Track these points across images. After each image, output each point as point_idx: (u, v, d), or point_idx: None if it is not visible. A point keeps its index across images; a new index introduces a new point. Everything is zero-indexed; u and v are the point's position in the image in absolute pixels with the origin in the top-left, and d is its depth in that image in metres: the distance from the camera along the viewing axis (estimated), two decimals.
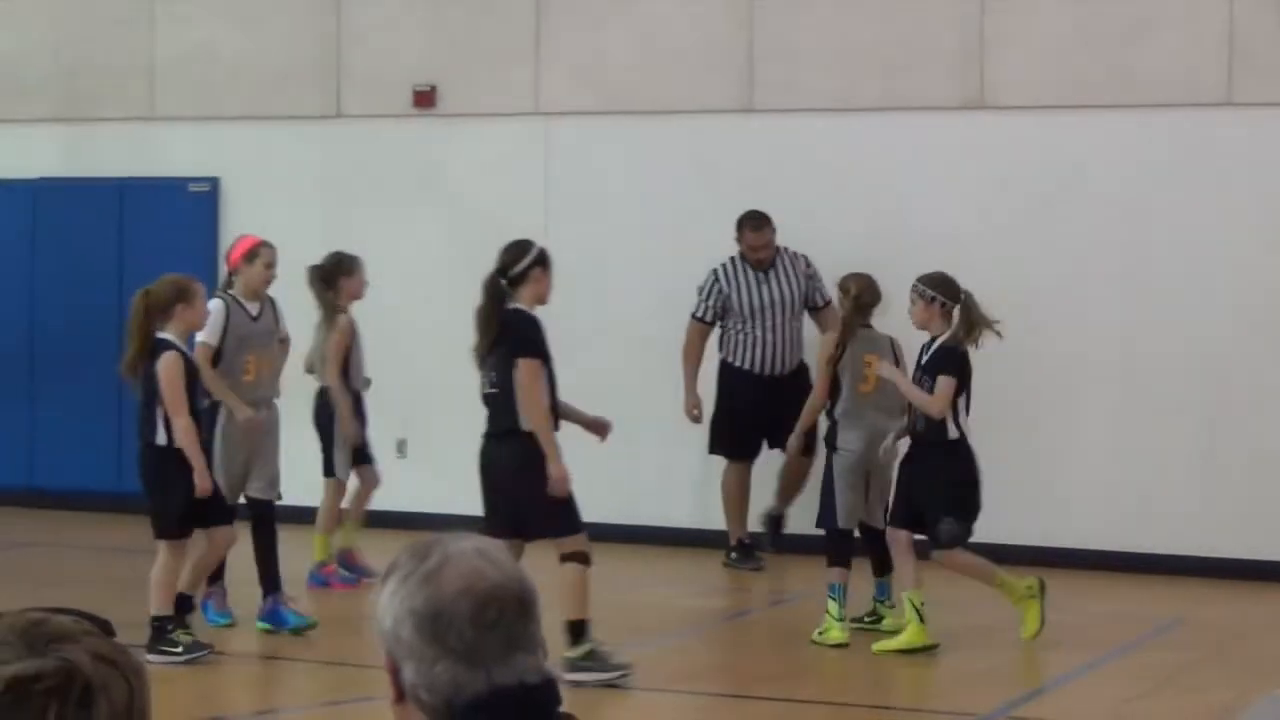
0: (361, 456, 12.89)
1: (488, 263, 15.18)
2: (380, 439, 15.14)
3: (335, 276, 12.67)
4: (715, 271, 13.65)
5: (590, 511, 10.30)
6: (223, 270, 15.84)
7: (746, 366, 13.59)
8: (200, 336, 11.06)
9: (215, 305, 11.18)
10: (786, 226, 14.15)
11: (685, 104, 14.60)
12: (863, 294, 11.24)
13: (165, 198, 15.97)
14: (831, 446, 11.16)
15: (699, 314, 13.66)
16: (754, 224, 13.57)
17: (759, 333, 13.55)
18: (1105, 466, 13.54)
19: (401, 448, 15.24)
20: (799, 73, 14.35)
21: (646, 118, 14.71)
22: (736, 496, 13.64)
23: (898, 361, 11.22)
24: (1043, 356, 13.69)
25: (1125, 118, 13.60)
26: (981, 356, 13.53)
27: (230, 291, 11.54)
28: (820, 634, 10.84)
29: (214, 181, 15.95)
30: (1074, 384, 13.67)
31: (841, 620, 10.85)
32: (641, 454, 14.07)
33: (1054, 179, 13.72)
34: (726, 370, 13.68)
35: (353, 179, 15.51)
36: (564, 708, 2.79)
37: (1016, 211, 13.79)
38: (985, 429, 13.79)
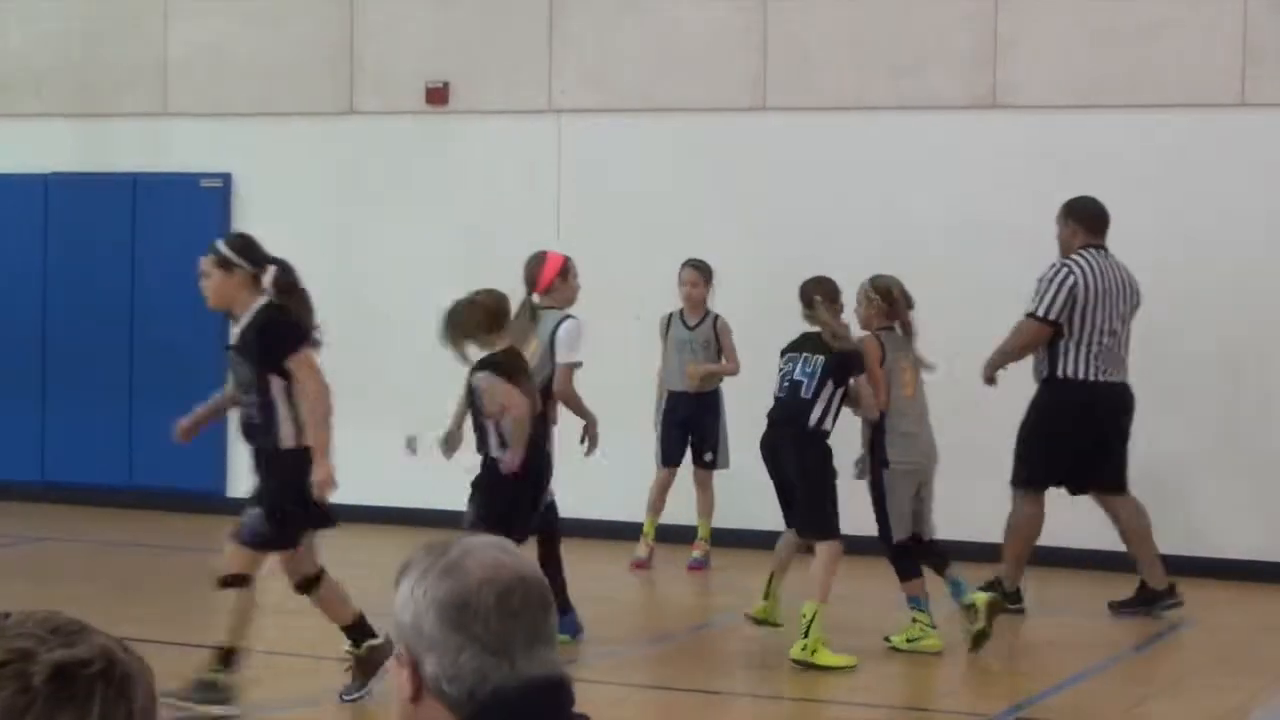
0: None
1: (499, 259, 15.21)
2: (391, 436, 15.17)
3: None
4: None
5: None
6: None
7: (1094, 378, 11.88)
8: (570, 357, 10.82)
9: (578, 324, 10.93)
10: (796, 226, 14.16)
11: (698, 102, 14.60)
12: (904, 296, 11.05)
13: (177, 193, 15.99)
14: (883, 461, 10.79)
15: (1047, 313, 11.81)
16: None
17: (1108, 338, 11.91)
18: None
19: (411, 444, 15.24)
20: (811, 71, 14.35)
21: (659, 115, 14.71)
22: (1032, 536, 12.03)
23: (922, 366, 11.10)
24: None
25: (1138, 118, 13.59)
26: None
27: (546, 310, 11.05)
28: (912, 642, 10.61)
29: (226, 177, 15.96)
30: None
31: (934, 629, 10.65)
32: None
33: (1066, 179, 13.69)
34: (1070, 385, 11.88)
35: (365, 175, 15.52)
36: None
37: (1028, 211, 13.77)
38: (988, 429, 13.80)
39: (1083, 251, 11.82)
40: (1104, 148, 13.64)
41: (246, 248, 9.08)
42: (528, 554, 2.85)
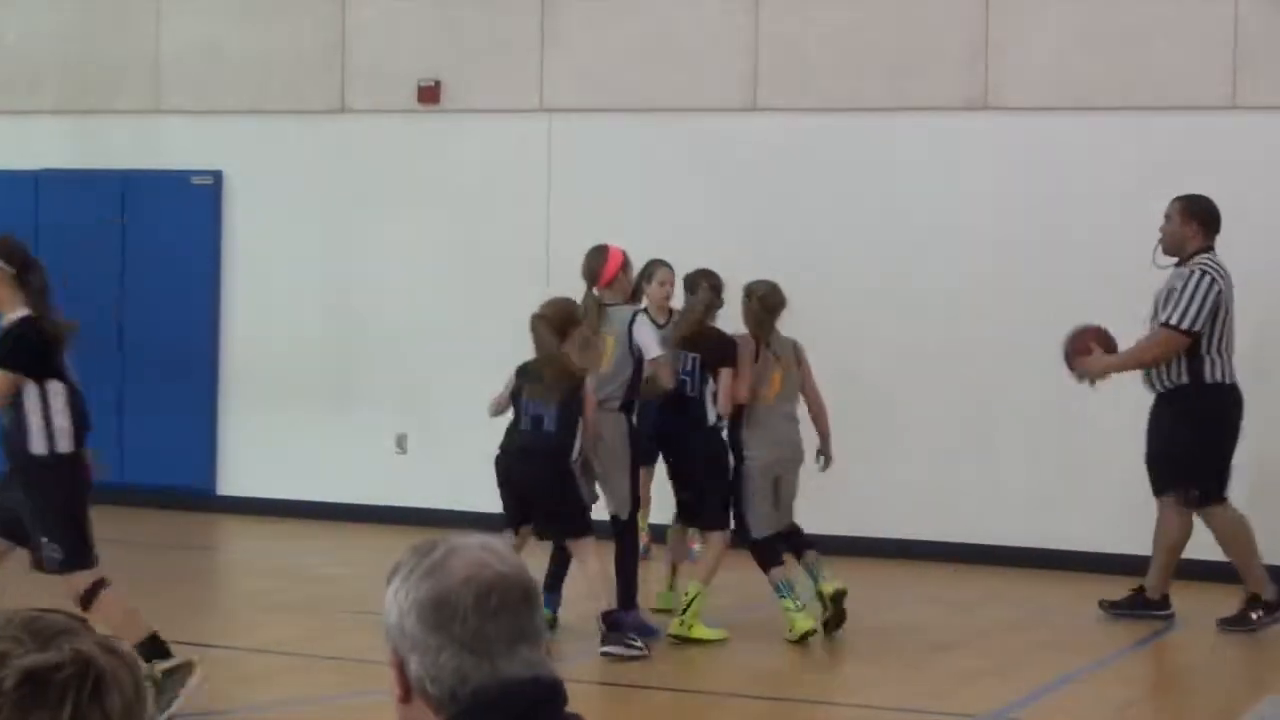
0: None
1: (489, 258, 15.25)
2: (381, 433, 15.17)
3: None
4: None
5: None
6: (229, 265, 15.91)
7: (1232, 380, 11.82)
8: (660, 349, 10.94)
9: (646, 316, 11.16)
10: (788, 225, 14.17)
11: (690, 102, 14.60)
12: (768, 297, 11.24)
13: (168, 190, 15.98)
14: (740, 456, 11.06)
15: (1192, 325, 11.64)
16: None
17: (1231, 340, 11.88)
18: (1106, 468, 13.53)
19: (401, 443, 15.25)
20: (804, 72, 14.35)
21: (651, 115, 14.71)
22: (1249, 539, 11.73)
23: (800, 363, 11.23)
24: (1044, 357, 13.69)
25: (1129, 120, 13.60)
26: (991, 358, 13.60)
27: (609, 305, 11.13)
28: (790, 631, 10.82)
29: (217, 175, 15.95)
30: (1075, 384, 13.65)
31: (801, 609, 10.84)
32: None
33: (1057, 181, 13.73)
34: (1219, 390, 11.78)
35: (356, 174, 15.51)
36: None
37: (1019, 212, 13.79)
38: (986, 430, 13.82)
39: (1208, 256, 11.70)
40: (1095, 150, 13.65)
41: (7, 249, 8.94)
42: (514, 553, 2.82)
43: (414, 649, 2.69)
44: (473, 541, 2.79)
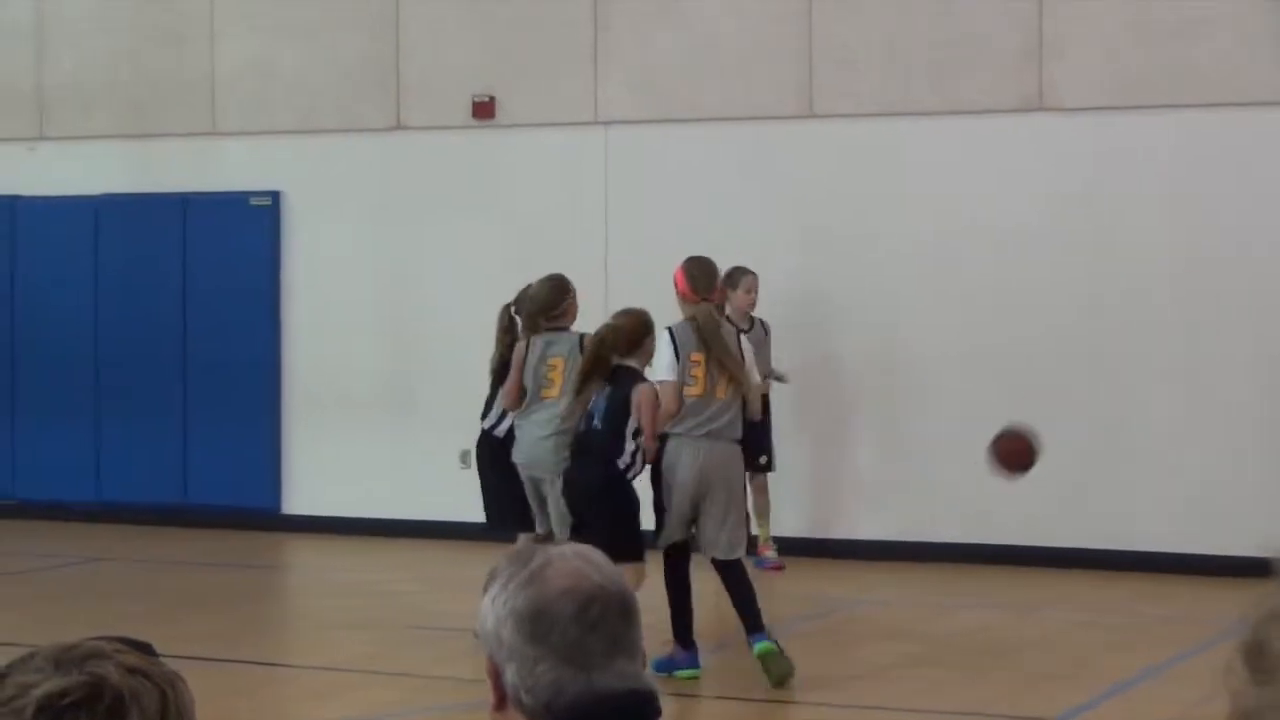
0: None
1: (548, 271, 15.26)
2: (443, 450, 15.20)
3: None
4: None
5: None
6: (289, 285, 15.99)
7: None
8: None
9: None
10: (844, 231, 14.16)
11: (744, 110, 14.60)
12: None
13: (227, 211, 16.07)
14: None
15: None
16: None
17: None
18: (1169, 468, 13.47)
19: (465, 459, 15.28)
20: (857, 77, 14.34)
21: (705, 124, 14.72)
22: None
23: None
24: (1104, 357, 13.65)
25: (1182, 117, 13.54)
26: (1046, 358, 13.55)
27: None
28: None
29: (275, 195, 16.03)
30: (1137, 384, 13.62)
31: None
32: None
33: (1112, 179, 13.68)
34: None
35: (413, 191, 15.57)
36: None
37: (1075, 213, 13.74)
38: (1049, 430, 13.75)
39: None
40: (1149, 148, 13.59)
41: None
42: (611, 564, 2.81)
43: (511, 658, 2.67)
44: (569, 551, 2.76)
